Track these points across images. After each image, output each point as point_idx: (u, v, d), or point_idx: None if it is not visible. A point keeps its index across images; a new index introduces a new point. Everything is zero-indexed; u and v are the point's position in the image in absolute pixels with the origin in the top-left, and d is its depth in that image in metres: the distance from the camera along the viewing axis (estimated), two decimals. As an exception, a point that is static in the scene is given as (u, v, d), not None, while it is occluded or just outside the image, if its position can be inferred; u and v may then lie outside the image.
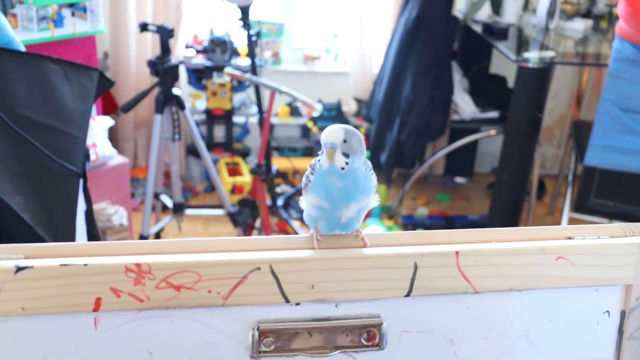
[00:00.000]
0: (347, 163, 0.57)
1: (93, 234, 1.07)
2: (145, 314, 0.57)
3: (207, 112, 2.81)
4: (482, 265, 0.61)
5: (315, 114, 2.96)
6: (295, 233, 2.35)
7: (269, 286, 0.58)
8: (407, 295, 0.60)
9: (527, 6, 2.86)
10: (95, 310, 0.55)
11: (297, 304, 0.59)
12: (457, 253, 0.61)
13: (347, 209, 0.60)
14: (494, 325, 0.63)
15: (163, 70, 1.90)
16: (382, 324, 0.60)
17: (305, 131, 3.13)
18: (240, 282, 0.57)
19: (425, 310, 0.61)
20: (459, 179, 3.11)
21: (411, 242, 0.62)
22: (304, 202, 0.63)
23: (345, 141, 0.57)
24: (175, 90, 1.97)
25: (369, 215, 2.58)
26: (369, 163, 0.61)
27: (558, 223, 2.45)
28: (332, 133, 0.57)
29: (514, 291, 0.63)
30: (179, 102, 1.98)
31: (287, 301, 0.58)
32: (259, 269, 0.57)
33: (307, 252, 0.59)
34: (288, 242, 0.61)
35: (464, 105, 2.63)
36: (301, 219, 2.45)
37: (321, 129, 3.02)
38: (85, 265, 0.55)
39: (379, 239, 0.62)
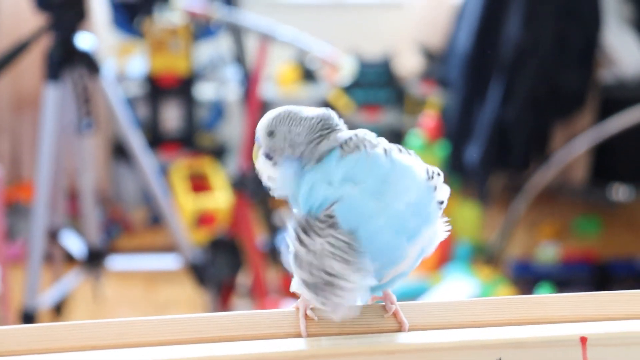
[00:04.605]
0: (270, 177, 0.64)
1: None
2: None
3: (149, 80, 2.86)
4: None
5: (344, 79, 2.94)
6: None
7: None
8: None
9: None
10: None
11: None
12: (583, 340, 0.60)
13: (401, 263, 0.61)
14: None
15: (58, 1, 1.88)
16: None
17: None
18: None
19: None
20: (619, 190, 3.10)
21: (490, 318, 0.62)
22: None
23: (271, 133, 0.63)
24: (83, 40, 1.95)
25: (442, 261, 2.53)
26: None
27: None
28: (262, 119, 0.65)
29: None
30: (89, 63, 1.97)
31: None
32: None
33: (285, 345, 0.60)
34: (246, 323, 0.61)
35: (627, 52, 2.62)
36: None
37: (360, 106, 3.04)
38: None
39: (427, 314, 0.63)
